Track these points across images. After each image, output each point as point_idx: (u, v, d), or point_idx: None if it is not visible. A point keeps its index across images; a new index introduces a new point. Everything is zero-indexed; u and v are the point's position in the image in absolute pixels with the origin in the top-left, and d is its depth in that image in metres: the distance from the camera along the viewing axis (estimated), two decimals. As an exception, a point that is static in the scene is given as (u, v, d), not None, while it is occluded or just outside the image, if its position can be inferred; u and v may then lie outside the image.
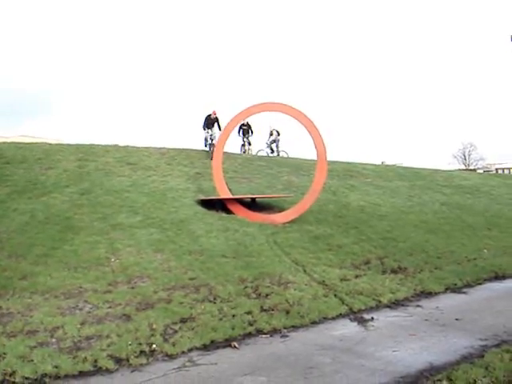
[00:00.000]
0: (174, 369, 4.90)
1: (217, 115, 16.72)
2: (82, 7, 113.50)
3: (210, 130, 16.65)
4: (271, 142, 21.52)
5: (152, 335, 5.62)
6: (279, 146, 21.61)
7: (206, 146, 16.91)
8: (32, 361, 4.83)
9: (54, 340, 5.38)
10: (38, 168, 12.41)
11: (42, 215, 9.53)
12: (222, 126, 14.88)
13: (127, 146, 16.37)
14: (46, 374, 4.65)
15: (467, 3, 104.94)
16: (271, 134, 21.47)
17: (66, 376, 4.68)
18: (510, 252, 11.10)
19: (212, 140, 16.26)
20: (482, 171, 44.48)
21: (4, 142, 15.20)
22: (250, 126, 19.63)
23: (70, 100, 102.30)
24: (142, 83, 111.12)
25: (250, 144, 20.40)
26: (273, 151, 21.47)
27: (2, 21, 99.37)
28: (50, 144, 15.91)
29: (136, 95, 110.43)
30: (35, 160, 12.98)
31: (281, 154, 21.39)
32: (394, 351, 5.39)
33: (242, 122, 18.08)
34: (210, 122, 16.73)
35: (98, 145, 16.00)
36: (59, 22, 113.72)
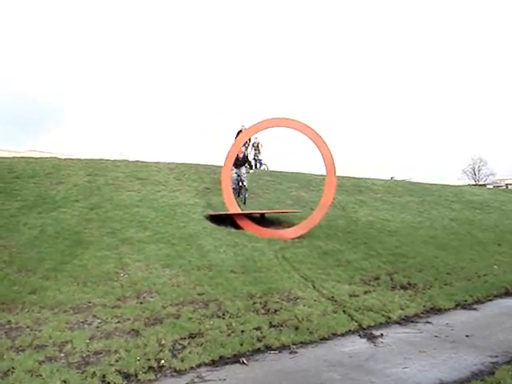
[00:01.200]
0: (182, 384, 4.88)
1: (244, 153, 15.06)
2: (93, 19, 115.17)
3: (238, 171, 14.45)
4: (258, 157, 20.20)
5: (160, 351, 5.61)
6: (260, 158, 20.42)
7: (233, 189, 13.83)
8: (40, 376, 4.83)
9: (62, 355, 5.38)
10: (47, 183, 12.49)
11: (52, 230, 9.58)
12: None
13: (136, 161, 16.48)
14: (54, 388, 4.65)
15: (481, 14, 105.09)
16: (257, 148, 20.10)
17: (75, 391, 4.68)
18: (521, 268, 10.98)
19: (242, 182, 14.45)
20: (491, 186, 44.13)
21: (14, 157, 15.33)
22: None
23: (79, 114, 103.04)
24: (151, 99, 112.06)
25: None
26: (257, 166, 20.14)
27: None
28: (60, 159, 16.01)
29: (145, 110, 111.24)
30: (45, 175, 13.09)
31: (263, 167, 20.33)
32: (403, 368, 5.34)
33: (240, 129, 16.83)
34: (239, 162, 14.31)
35: (108, 160, 16.15)
36: (60, 30, 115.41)
